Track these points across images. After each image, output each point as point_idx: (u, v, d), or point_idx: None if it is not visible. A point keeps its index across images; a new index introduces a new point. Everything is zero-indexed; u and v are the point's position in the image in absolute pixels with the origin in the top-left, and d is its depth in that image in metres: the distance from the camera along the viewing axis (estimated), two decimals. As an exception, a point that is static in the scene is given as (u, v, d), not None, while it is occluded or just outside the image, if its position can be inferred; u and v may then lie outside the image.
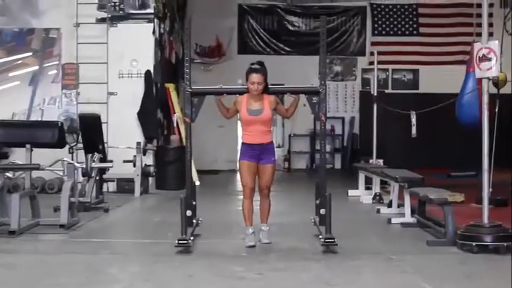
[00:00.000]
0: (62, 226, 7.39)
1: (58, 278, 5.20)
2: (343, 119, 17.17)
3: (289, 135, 17.57)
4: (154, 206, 10.34)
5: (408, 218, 7.79)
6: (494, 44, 6.20)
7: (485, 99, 6.21)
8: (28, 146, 7.55)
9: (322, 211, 6.52)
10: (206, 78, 16.12)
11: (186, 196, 6.73)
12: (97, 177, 9.22)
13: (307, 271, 5.43)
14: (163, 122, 12.97)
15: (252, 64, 6.57)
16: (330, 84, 16.88)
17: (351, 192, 10.91)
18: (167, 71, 13.47)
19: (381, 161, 11.77)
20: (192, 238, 6.27)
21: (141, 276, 5.31)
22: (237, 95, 6.70)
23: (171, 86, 13.13)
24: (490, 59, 6.12)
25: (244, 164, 6.56)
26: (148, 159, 11.71)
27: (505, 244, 5.98)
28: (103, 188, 10.21)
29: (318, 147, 16.71)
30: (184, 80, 15.78)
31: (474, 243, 6.02)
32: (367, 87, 15.86)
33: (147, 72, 11.73)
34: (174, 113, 12.77)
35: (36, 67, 12.01)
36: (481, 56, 6.21)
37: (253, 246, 6.32)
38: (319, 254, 6.07)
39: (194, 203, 6.87)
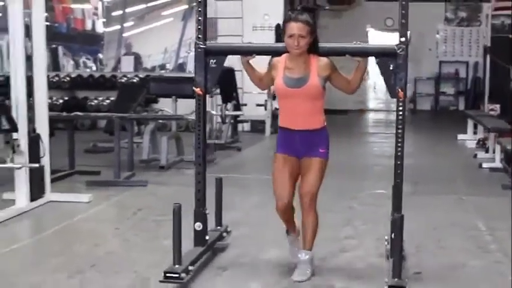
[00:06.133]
0: (201, 163, 9.11)
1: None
2: (467, 63, 17.95)
3: (415, 78, 18.59)
4: (281, 145, 11.86)
5: (497, 164, 8.90)
6: None
7: None
8: (174, 97, 9.28)
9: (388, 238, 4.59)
10: (336, 24, 17.46)
11: (197, 199, 4.79)
12: (231, 121, 10.90)
13: (382, 206, 6.59)
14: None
15: (292, 11, 4.46)
16: (455, 30, 17.80)
17: (460, 136, 11.98)
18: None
19: (497, 106, 12.68)
20: (191, 268, 4.35)
21: (258, 206, 6.82)
22: (273, 57, 4.52)
23: (300, 35, 14.47)
24: None
25: (278, 160, 4.44)
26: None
27: None
28: (238, 128, 11.89)
29: (442, 89, 17.98)
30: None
31: (539, 189, 7.13)
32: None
33: (277, 26, 13.15)
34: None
35: (186, 6, 13.89)
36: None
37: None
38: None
39: (207, 211, 4.83)
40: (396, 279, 4.09)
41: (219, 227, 5.19)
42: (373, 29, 19.04)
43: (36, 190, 6.69)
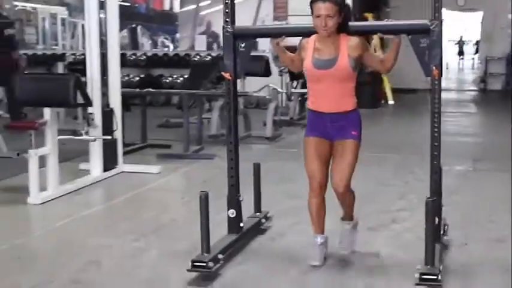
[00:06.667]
0: (267, 138, 9.36)
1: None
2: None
3: (486, 58, 18.33)
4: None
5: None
6: None
7: None
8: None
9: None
10: (408, 4, 17.21)
11: (230, 185, 4.61)
12: (299, 99, 11.07)
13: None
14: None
15: None
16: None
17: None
18: (367, 0, 14.79)
19: None
20: (221, 257, 4.17)
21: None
22: (302, 39, 4.28)
23: (369, 15, 14.44)
24: None
25: (309, 143, 4.23)
26: (346, 82, 13.33)
27: None
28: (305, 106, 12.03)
29: (514, 70, 17.72)
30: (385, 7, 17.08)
31: None
32: None
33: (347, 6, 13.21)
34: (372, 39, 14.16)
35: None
36: None
37: (319, 266, 4.25)
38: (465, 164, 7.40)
39: (241, 198, 4.67)
40: (429, 266, 3.88)
41: (258, 213, 5.05)
42: (444, 9, 18.73)
43: (110, 161, 7.05)
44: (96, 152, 6.92)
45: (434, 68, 4.03)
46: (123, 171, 7.18)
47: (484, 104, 16.19)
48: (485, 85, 18.45)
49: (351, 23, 4.15)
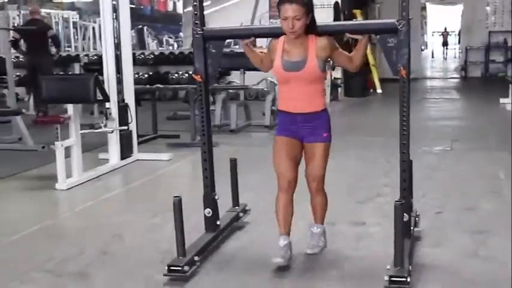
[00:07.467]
0: (266, 126, 9.72)
1: (259, 161, 7.32)
2: (515, 32, 17.91)
3: (466, 48, 18.70)
4: (340, 110, 12.34)
5: (530, 121, 9.13)
6: None
7: None
8: (241, 70, 9.88)
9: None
10: None
11: (205, 186, 4.47)
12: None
13: (416, 161, 7.13)
14: (351, 43, 14.68)
15: None
16: (504, 2, 17.71)
17: (502, 100, 12.13)
18: (356, -3, 15.14)
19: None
20: (196, 258, 3.98)
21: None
22: (271, 39, 4.05)
23: (357, 12, 14.77)
24: None
25: (279, 142, 4.01)
26: (337, 73, 13.65)
27: None
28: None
29: (492, 57, 18.02)
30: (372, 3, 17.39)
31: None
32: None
33: (336, 3, 13.51)
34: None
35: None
36: None
37: (284, 265, 3.89)
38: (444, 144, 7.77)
39: (216, 197, 4.50)
40: (398, 267, 3.59)
41: (236, 207, 4.90)
42: (428, 3, 19.10)
43: (126, 150, 7.42)
44: (113, 142, 7.28)
45: (402, 68, 3.80)
46: (138, 159, 7.55)
47: (465, 90, 16.56)
48: (466, 73, 18.84)
49: (319, 23, 3.91)
